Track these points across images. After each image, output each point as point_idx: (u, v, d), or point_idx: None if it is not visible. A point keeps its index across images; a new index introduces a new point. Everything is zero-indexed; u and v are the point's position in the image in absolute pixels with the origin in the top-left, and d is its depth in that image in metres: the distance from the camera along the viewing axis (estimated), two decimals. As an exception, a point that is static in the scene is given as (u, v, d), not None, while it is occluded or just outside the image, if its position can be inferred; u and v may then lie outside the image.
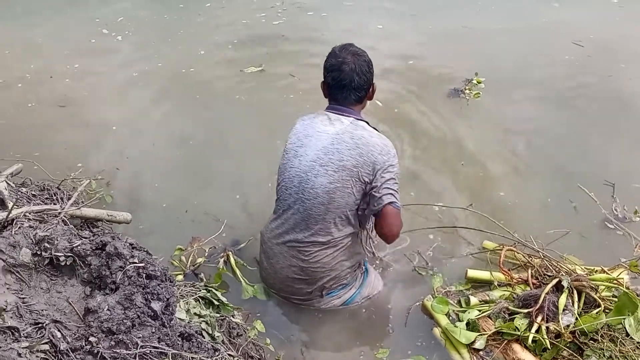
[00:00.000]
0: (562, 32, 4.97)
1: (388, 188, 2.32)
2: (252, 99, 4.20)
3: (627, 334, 2.24)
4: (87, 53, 4.77)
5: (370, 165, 2.30)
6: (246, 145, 3.72)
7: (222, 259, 2.80)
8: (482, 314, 2.46)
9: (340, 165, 2.31)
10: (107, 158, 3.56)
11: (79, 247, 2.00)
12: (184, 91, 4.30)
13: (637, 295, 2.35)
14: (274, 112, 3.99)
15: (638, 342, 2.22)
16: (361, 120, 2.42)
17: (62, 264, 2.00)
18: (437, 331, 2.51)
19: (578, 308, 2.36)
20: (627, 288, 2.46)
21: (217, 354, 1.97)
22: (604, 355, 2.21)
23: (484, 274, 2.69)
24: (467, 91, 4.28)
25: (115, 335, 1.77)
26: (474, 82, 4.35)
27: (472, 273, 2.70)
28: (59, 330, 1.77)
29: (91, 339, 1.76)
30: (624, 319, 2.25)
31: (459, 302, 2.58)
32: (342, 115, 2.40)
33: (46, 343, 1.72)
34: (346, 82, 2.36)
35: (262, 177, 3.33)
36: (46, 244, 1.99)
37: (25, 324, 1.75)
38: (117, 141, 3.74)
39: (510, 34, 4.97)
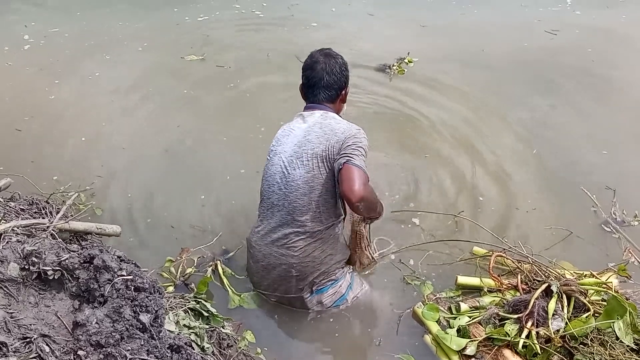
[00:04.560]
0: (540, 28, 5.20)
1: (347, 154, 2.35)
2: (199, 93, 4.26)
3: (617, 338, 2.25)
4: (15, 65, 4.58)
5: (335, 145, 2.42)
6: (213, 146, 3.77)
7: (211, 267, 2.80)
8: (473, 320, 2.47)
9: (312, 153, 2.43)
10: (85, 169, 3.51)
11: (66, 261, 1.99)
12: (133, 90, 4.29)
13: (626, 299, 2.37)
14: (227, 107, 4.12)
15: (628, 346, 2.23)
16: (332, 112, 2.56)
17: (51, 277, 1.99)
18: (428, 338, 2.51)
19: (568, 313, 2.37)
20: (616, 292, 2.48)
21: (207, 365, 1.97)
22: (594, 359, 2.22)
23: (474, 280, 2.70)
24: (394, 67, 4.41)
25: (104, 349, 1.76)
26: (405, 61, 4.47)
27: (462, 279, 2.71)
28: (47, 345, 1.77)
29: (80, 352, 1.75)
30: (614, 322, 2.26)
31: (450, 308, 2.58)
32: (314, 110, 2.55)
33: (34, 358, 1.71)
34: (316, 80, 2.53)
35: (240, 179, 3.41)
36: (34, 258, 1.99)
37: (14, 339, 1.74)
38: (91, 152, 3.69)
39: (476, 28, 5.16)
